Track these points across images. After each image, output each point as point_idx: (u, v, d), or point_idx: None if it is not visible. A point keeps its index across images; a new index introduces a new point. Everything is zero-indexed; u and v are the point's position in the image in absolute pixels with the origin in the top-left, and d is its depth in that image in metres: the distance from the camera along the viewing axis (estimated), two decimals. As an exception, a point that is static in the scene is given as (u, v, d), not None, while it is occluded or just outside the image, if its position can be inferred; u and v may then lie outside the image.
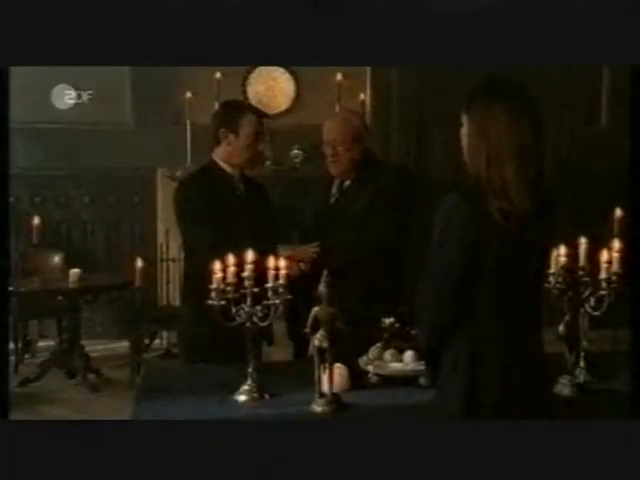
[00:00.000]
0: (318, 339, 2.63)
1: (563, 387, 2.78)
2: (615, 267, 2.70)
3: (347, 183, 3.68)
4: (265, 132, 3.72)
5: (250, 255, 2.69)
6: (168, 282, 6.64)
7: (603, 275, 2.70)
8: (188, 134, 6.32)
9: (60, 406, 5.30)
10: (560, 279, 2.72)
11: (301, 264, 3.54)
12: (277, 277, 2.70)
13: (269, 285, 2.69)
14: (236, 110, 3.59)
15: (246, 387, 2.78)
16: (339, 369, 2.78)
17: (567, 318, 2.79)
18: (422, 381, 2.82)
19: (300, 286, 3.21)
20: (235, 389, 2.79)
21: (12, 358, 5.81)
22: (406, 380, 2.86)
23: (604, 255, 2.70)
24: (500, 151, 2.16)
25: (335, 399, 2.66)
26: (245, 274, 2.69)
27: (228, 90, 6.34)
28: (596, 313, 2.75)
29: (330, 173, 3.71)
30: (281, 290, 2.69)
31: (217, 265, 2.70)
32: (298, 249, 3.60)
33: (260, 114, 3.62)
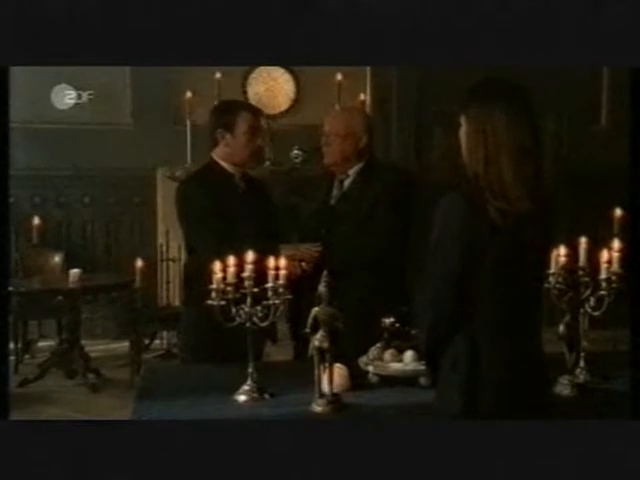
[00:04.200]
0: (318, 339, 2.62)
1: (563, 387, 2.78)
2: (615, 267, 2.70)
3: (347, 184, 3.68)
4: (262, 128, 3.73)
5: (250, 255, 2.69)
6: (168, 282, 6.64)
7: (603, 275, 2.70)
8: (188, 134, 6.31)
9: (60, 406, 5.29)
10: (560, 279, 2.72)
11: (303, 264, 3.54)
12: (277, 277, 2.70)
13: (269, 285, 2.69)
14: (230, 109, 3.60)
15: (246, 387, 2.78)
16: (339, 369, 2.77)
17: (567, 318, 2.79)
18: (422, 381, 2.82)
19: (302, 286, 3.21)
20: (235, 389, 2.78)
21: (12, 358, 5.80)
22: (406, 380, 2.86)
23: (604, 255, 2.70)
24: (498, 151, 2.17)
25: (335, 399, 2.66)
26: (245, 274, 2.69)
27: (228, 90, 6.35)
28: (596, 313, 2.75)
29: (325, 166, 3.72)
30: (281, 290, 2.69)
31: (217, 265, 2.70)
32: (300, 248, 3.59)
33: (254, 111, 3.63)
